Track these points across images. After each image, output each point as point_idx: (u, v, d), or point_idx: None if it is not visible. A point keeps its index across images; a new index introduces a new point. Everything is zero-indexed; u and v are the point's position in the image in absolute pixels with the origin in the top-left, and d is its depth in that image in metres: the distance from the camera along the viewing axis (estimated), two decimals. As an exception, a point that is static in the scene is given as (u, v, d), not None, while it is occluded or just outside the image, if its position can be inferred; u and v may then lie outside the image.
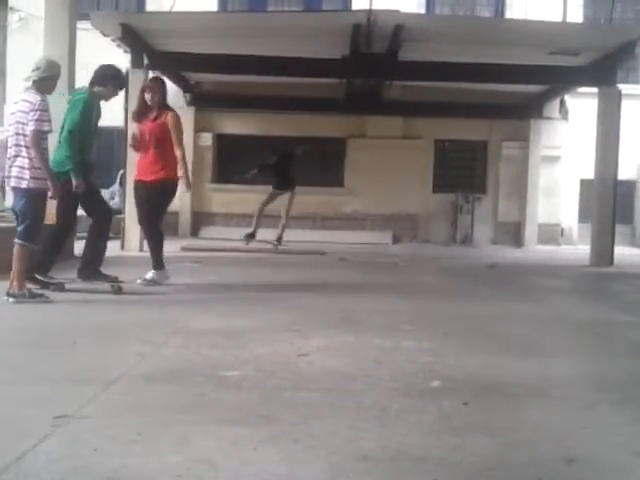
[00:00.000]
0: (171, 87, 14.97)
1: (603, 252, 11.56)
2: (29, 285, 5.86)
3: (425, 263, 11.30)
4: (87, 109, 6.48)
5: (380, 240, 15.63)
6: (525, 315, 6.03)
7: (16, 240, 5.71)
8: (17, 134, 5.75)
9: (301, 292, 6.97)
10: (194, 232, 15.79)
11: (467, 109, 15.22)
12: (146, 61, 11.75)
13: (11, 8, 16.24)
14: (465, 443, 2.60)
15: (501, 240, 16.56)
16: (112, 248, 11.32)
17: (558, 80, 13.41)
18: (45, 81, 5.87)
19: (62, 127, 6.55)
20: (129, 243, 11.41)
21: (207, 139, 16.30)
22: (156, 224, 7.22)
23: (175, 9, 13.59)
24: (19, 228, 5.75)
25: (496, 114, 15.95)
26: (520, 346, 4.60)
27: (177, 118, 7.16)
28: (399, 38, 11.06)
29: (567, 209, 17.35)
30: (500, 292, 7.75)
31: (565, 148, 16.77)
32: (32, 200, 5.76)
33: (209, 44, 11.86)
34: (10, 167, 5.80)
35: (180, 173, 7.08)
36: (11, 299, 5.61)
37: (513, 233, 16.53)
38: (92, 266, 6.61)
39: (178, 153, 7.05)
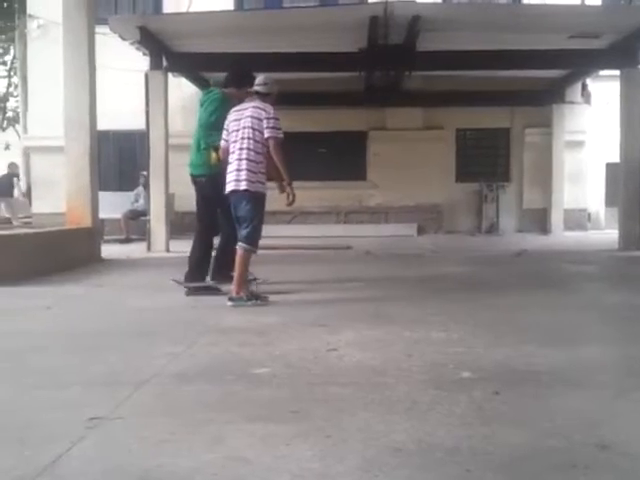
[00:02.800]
0: (191, 88, 15.11)
1: (631, 236, 11.46)
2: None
3: (451, 253, 11.25)
4: (220, 108, 6.44)
5: (405, 232, 15.61)
6: (554, 302, 5.98)
7: (240, 244, 5.84)
8: (246, 139, 5.83)
9: (327, 287, 6.98)
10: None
11: (488, 97, 15.14)
12: (165, 63, 11.82)
13: (30, 15, 16.40)
14: (497, 433, 2.59)
15: (527, 228, 16.45)
16: (138, 249, 11.48)
17: (579, 64, 13.29)
18: (269, 97, 6.08)
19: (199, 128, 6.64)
20: (155, 244, 11.50)
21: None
22: None
23: (192, 10, 13.66)
24: (243, 232, 5.87)
25: (517, 101, 15.84)
26: (550, 334, 4.57)
27: None
28: (416, 29, 11.02)
29: (593, 194, 17.20)
30: (528, 280, 7.71)
31: (589, 132, 16.61)
32: (258, 204, 5.89)
33: (227, 43, 11.89)
34: (237, 171, 5.84)
35: None
36: (230, 303, 5.74)
37: (539, 220, 16.42)
38: (224, 271, 6.70)
39: None
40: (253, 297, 5.83)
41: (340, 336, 4.42)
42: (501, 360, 3.77)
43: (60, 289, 6.94)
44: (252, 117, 5.84)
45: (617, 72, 12.21)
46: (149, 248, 11.48)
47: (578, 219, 16.71)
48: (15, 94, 25.45)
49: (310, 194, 16.04)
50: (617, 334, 4.75)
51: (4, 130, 27.20)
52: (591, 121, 16.59)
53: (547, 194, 16.39)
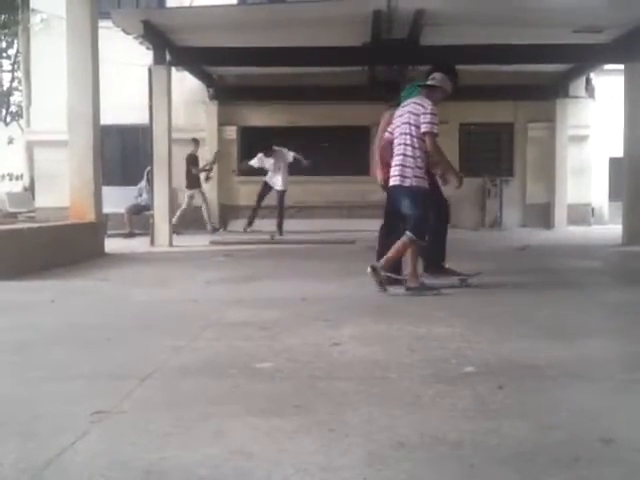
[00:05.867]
0: (194, 82, 15.12)
1: (635, 231, 11.44)
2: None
3: (454, 248, 11.21)
4: None
5: (408, 227, 15.56)
6: (558, 297, 5.98)
7: (406, 233, 5.98)
8: (405, 134, 6.00)
9: (330, 281, 6.98)
10: (222, 225, 15.86)
11: (491, 91, 15.12)
12: (168, 57, 11.82)
13: (33, 10, 16.40)
14: (501, 427, 2.59)
15: (531, 222, 16.44)
16: (142, 244, 11.50)
17: (583, 58, 13.27)
18: (435, 90, 6.16)
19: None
20: (159, 239, 11.51)
21: (232, 132, 16.35)
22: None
23: (195, 3, 13.66)
24: (408, 225, 6.01)
25: (521, 95, 15.81)
26: (554, 329, 4.56)
27: (388, 118, 6.84)
28: (420, 23, 11.01)
29: (597, 188, 17.17)
30: (531, 275, 7.69)
31: (593, 127, 16.58)
32: (416, 198, 6.01)
33: (230, 37, 11.90)
34: (397, 166, 6.04)
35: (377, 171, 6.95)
36: (407, 291, 5.93)
37: (543, 215, 16.41)
38: (437, 262, 6.69)
39: None
40: (426, 287, 6.02)
41: (343, 331, 4.42)
42: (505, 355, 3.77)
43: (64, 283, 6.95)
44: (410, 113, 6.01)
45: (621, 66, 12.20)
46: (152, 243, 11.49)
47: (582, 214, 16.70)
48: (19, 88, 25.46)
49: (313, 189, 16.06)
50: (622, 329, 4.73)
51: (7, 124, 27.22)
52: (595, 115, 16.56)
53: (550, 189, 16.37)
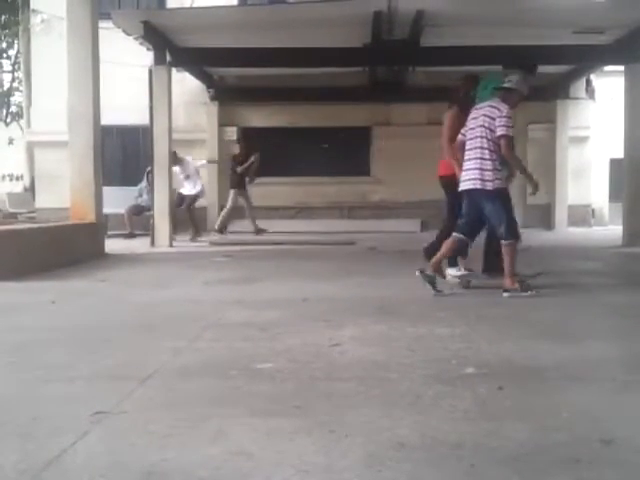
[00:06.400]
0: (194, 83, 15.12)
1: (635, 232, 11.43)
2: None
3: (455, 249, 11.21)
4: None
5: (409, 228, 15.58)
6: (558, 299, 5.97)
7: (502, 242, 6.01)
8: (480, 137, 6.03)
9: (331, 282, 6.98)
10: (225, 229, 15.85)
11: (492, 92, 15.09)
12: (169, 58, 11.81)
13: (33, 10, 16.40)
14: (501, 428, 2.59)
15: (531, 223, 16.40)
16: (142, 245, 11.49)
17: (583, 59, 13.26)
18: (512, 93, 6.17)
19: None
20: (159, 239, 11.51)
21: (232, 133, 16.34)
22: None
23: (195, 4, 13.66)
24: (500, 230, 6.01)
25: (521, 96, 15.79)
26: (554, 330, 4.56)
27: (450, 116, 7.20)
28: (420, 23, 10.99)
29: (597, 189, 17.16)
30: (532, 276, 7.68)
31: (593, 128, 16.57)
32: (499, 200, 6.03)
33: (231, 38, 11.89)
34: (473, 170, 6.05)
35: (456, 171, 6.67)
36: (505, 294, 5.92)
37: (543, 216, 16.38)
38: (496, 263, 6.72)
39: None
40: (526, 288, 5.98)
41: (343, 331, 4.42)
42: (505, 355, 3.77)
43: (64, 284, 6.95)
44: (485, 116, 6.03)
45: (621, 68, 12.20)
46: (153, 243, 11.49)
47: (582, 215, 16.69)
48: (20, 89, 25.48)
49: (313, 189, 16.07)
50: (622, 331, 4.74)
51: (8, 125, 27.25)
52: (595, 117, 16.56)
53: (551, 190, 16.34)
